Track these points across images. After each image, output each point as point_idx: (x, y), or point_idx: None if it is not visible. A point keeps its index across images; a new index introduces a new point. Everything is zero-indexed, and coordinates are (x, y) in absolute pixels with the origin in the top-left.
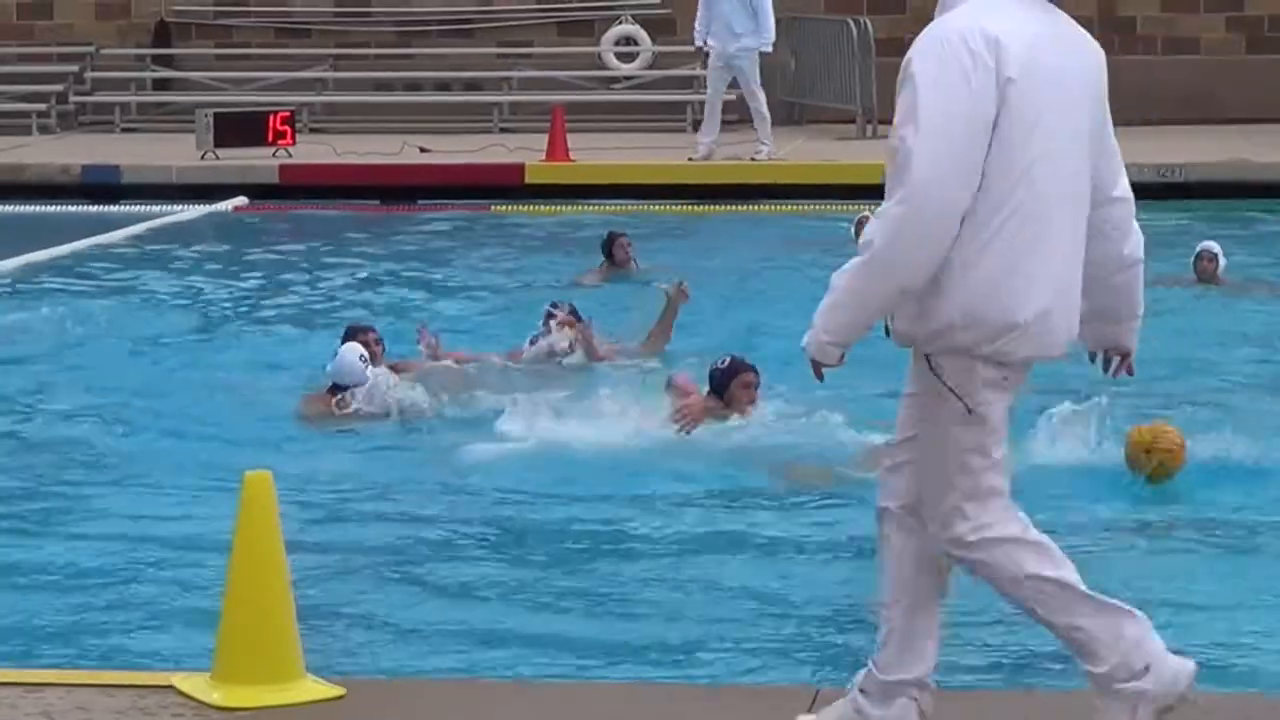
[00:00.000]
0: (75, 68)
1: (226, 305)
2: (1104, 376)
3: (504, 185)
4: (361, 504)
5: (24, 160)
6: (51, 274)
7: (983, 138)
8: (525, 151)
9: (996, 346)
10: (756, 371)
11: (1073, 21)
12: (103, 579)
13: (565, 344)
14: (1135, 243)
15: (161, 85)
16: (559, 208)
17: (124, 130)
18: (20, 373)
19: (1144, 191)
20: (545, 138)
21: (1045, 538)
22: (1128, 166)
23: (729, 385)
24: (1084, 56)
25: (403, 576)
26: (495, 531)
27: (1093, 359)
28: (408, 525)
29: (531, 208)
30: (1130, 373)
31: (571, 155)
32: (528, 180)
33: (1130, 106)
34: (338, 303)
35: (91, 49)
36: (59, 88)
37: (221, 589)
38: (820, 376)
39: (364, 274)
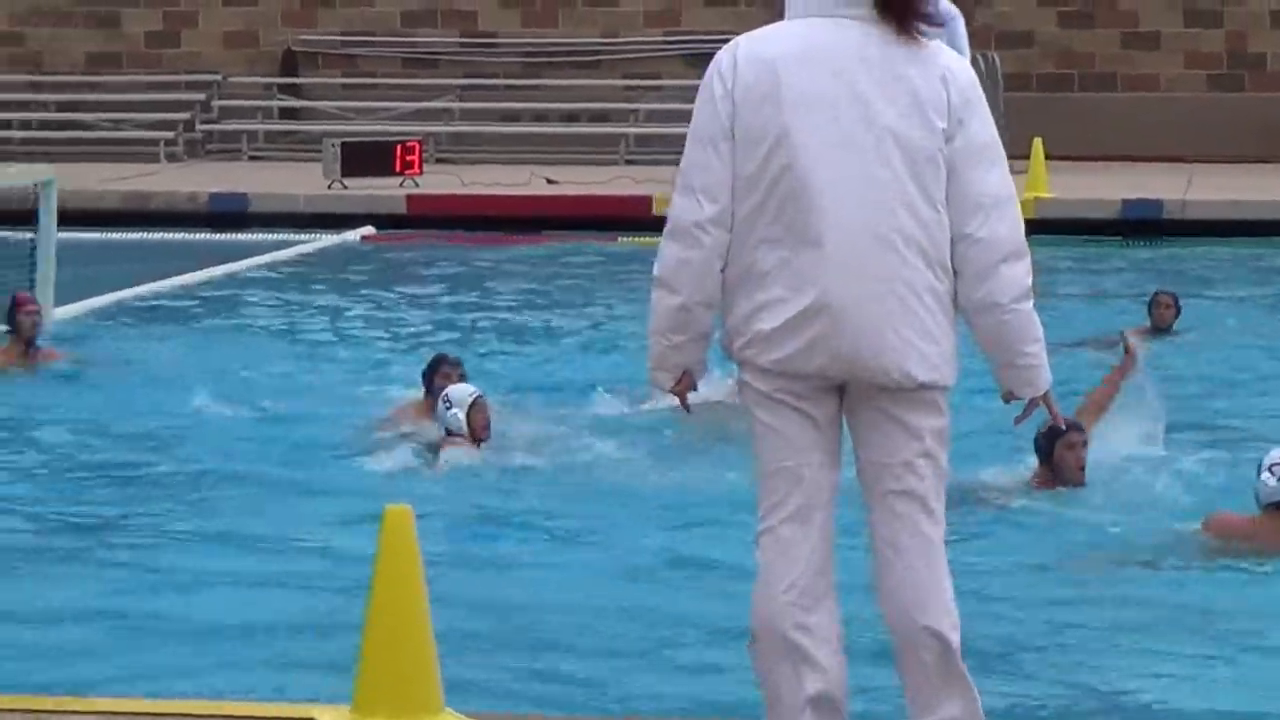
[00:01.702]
0: (202, 96)
1: (354, 335)
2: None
3: (631, 217)
4: (487, 536)
5: (151, 188)
6: (181, 302)
7: (717, 152)
8: (652, 183)
9: (739, 354)
10: (1081, 429)
11: (918, 40)
12: (240, 609)
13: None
14: (994, 287)
15: (288, 114)
16: None
17: (250, 159)
18: (148, 401)
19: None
20: (671, 170)
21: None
22: (1263, 203)
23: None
24: (899, 80)
25: (534, 610)
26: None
27: (1003, 398)
28: (543, 558)
29: (659, 240)
30: (1018, 423)
31: None
32: (655, 212)
33: (1262, 144)
34: (461, 333)
35: (219, 77)
36: (186, 116)
37: (360, 621)
38: (684, 406)
39: (490, 305)
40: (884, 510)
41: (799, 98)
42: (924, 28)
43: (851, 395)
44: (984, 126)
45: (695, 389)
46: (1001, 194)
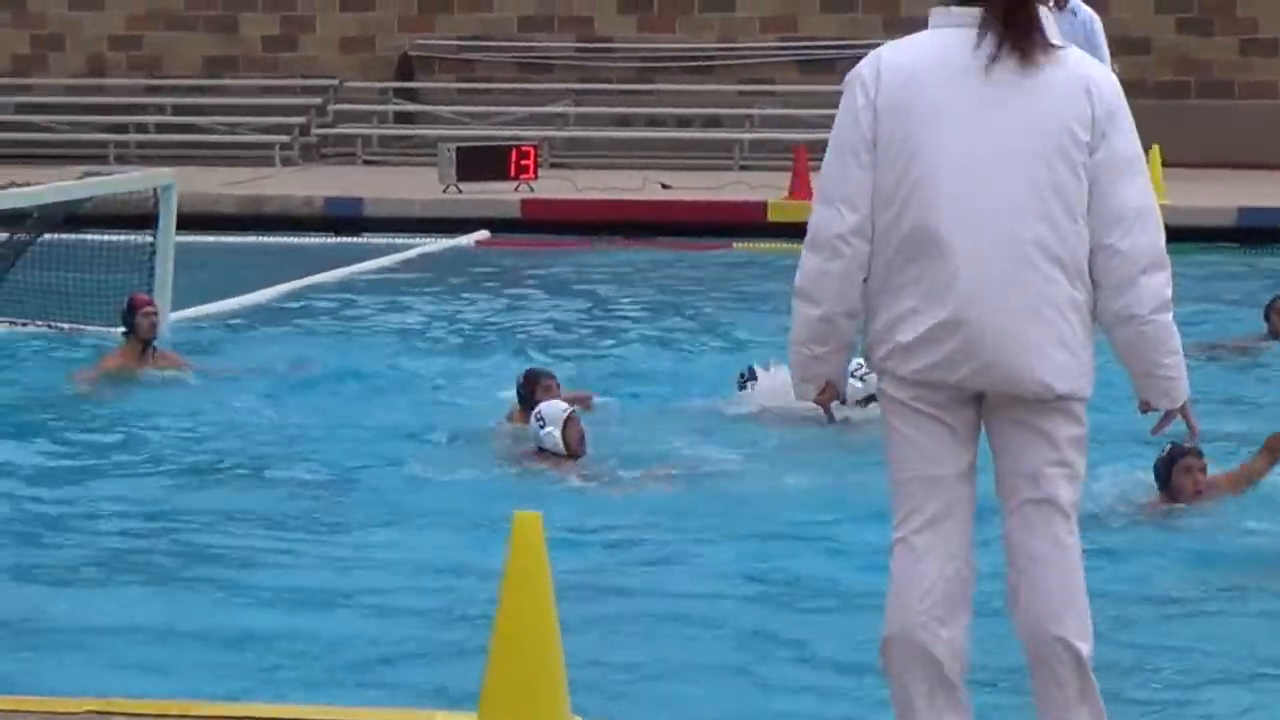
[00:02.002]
0: (318, 100)
1: (469, 340)
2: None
3: (747, 223)
4: (618, 545)
5: (266, 192)
6: (299, 305)
7: (858, 161)
8: (767, 189)
9: (879, 364)
10: (1200, 454)
11: (1053, 55)
12: (361, 620)
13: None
14: (1134, 298)
15: (403, 119)
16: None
17: (365, 163)
18: (271, 406)
19: None
20: (786, 176)
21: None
22: None
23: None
24: (1038, 91)
25: (657, 619)
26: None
27: (1140, 409)
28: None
29: (775, 245)
30: (1156, 432)
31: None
32: (770, 218)
33: None
34: (574, 338)
35: (335, 82)
36: (302, 120)
37: (486, 627)
38: (828, 415)
39: (603, 310)
40: (1020, 519)
41: (938, 109)
42: (1049, 46)
43: (990, 405)
44: (1127, 138)
45: (841, 400)
46: (1143, 205)
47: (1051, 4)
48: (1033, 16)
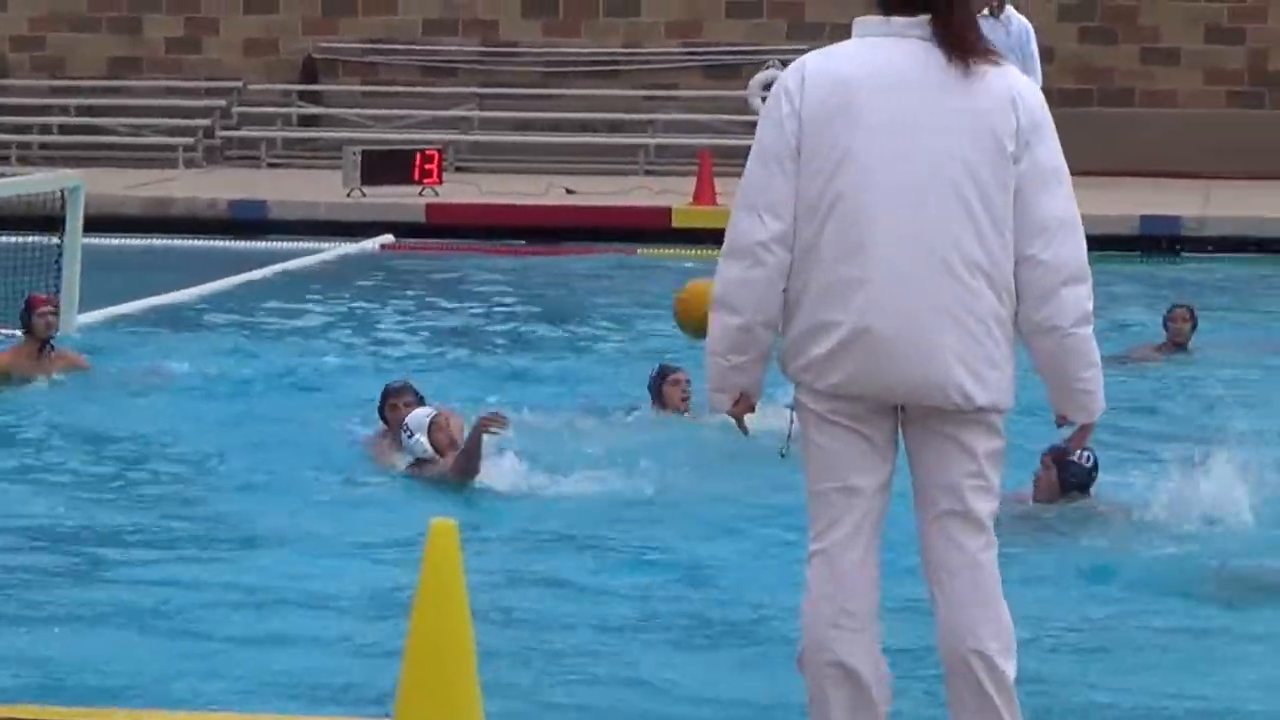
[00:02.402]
0: (222, 102)
1: (372, 344)
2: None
3: (651, 228)
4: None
5: (171, 194)
6: (199, 309)
7: (782, 170)
8: (671, 194)
9: (795, 375)
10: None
11: (985, 66)
12: (262, 626)
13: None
14: (1056, 309)
15: (307, 121)
16: (707, 252)
17: (269, 166)
18: (161, 408)
19: None
20: (690, 181)
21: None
22: None
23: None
24: (969, 102)
25: (563, 628)
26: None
27: (1057, 423)
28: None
29: (679, 251)
30: (1074, 446)
31: (719, 199)
32: (675, 224)
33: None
34: (477, 343)
35: (239, 84)
36: (206, 122)
37: (398, 635)
38: (741, 428)
39: (507, 315)
40: (937, 532)
41: (865, 119)
42: (985, 57)
43: (909, 416)
44: (1051, 150)
45: (753, 410)
46: (1066, 217)
47: (987, 13)
48: (973, 28)
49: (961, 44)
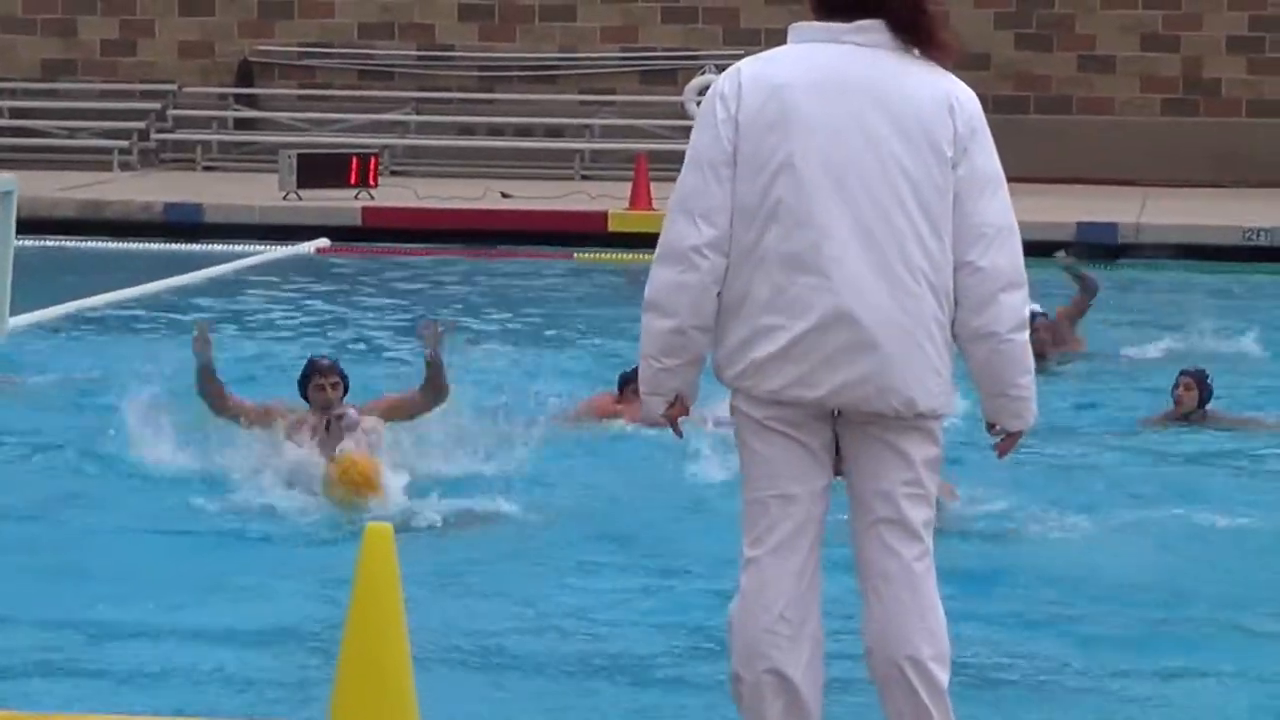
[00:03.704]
0: (158, 105)
1: (307, 347)
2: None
3: (587, 232)
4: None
5: (106, 197)
6: (132, 312)
7: (717, 176)
8: (608, 199)
9: (732, 382)
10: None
11: (925, 72)
12: (198, 629)
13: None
14: (993, 316)
15: (243, 124)
16: (643, 256)
17: (205, 169)
18: (92, 413)
19: (1231, 254)
20: (627, 186)
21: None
22: (1216, 228)
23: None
24: (908, 107)
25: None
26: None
27: (987, 429)
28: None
29: (615, 255)
30: (1002, 454)
31: (655, 204)
32: (611, 228)
33: (1216, 169)
34: (414, 346)
35: (174, 87)
36: (141, 125)
37: (332, 640)
38: (675, 432)
39: (444, 318)
40: (872, 539)
41: (804, 124)
42: (937, 55)
43: (847, 422)
44: (988, 156)
45: (688, 414)
46: (1004, 223)
47: None
48: (926, 12)
49: (918, 43)
